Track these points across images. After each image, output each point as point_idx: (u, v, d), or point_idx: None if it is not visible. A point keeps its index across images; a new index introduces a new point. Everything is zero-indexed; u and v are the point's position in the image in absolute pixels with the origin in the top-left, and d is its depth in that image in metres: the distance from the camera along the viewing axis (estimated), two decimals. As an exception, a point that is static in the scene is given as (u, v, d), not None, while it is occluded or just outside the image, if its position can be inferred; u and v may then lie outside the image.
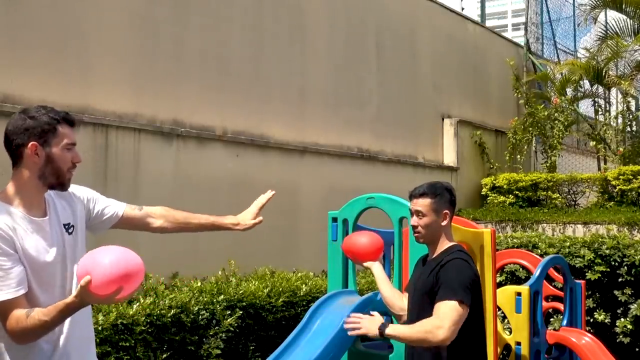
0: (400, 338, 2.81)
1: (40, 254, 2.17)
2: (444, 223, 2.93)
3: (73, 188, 2.41)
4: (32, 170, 2.20)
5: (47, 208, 2.27)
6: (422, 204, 2.93)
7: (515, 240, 6.31)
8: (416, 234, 2.97)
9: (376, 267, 3.36)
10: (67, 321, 2.20)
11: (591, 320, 5.81)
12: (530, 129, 11.10)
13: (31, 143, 2.17)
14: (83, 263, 2.01)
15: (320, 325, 3.54)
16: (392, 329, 2.77)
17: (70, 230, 2.31)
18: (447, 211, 2.94)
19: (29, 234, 2.16)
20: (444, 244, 2.94)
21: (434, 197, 2.93)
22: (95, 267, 1.96)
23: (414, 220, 2.96)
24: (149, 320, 4.01)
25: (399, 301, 3.17)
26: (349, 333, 2.87)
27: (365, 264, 3.44)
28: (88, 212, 2.46)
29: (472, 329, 2.86)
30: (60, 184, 2.25)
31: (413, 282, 3.06)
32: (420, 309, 2.92)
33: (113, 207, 2.53)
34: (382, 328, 2.75)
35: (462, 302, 2.72)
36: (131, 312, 3.93)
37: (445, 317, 2.71)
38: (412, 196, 2.99)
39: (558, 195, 10.13)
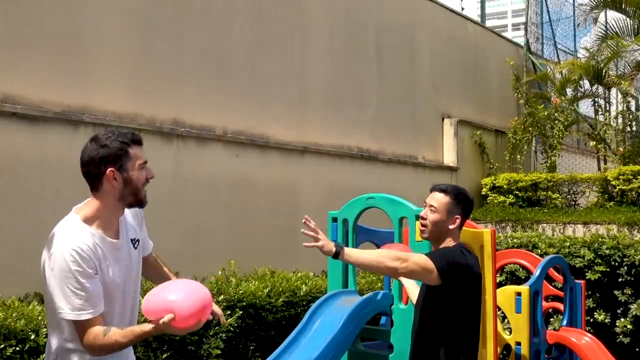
0: (356, 262, 2.77)
1: (112, 276, 2.29)
2: (451, 226, 2.92)
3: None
4: (112, 194, 2.30)
5: (121, 228, 2.38)
6: (439, 200, 2.93)
7: (515, 240, 6.31)
8: (422, 227, 2.96)
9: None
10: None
11: (591, 320, 5.81)
12: (530, 129, 11.10)
13: (109, 170, 2.27)
14: (157, 298, 2.14)
15: (320, 325, 3.54)
16: (349, 252, 2.74)
17: (136, 245, 2.44)
18: (458, 217, 2.93)
19: (107, 256, 2.27)
20: (448, 244, 2.94)
21: (453, 198, 2.93)
22: (175, 305, 2.11)
23: (425, 212, 2.95)
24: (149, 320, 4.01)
25: None
26: (304, 244, 2.74)
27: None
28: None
29: (467, 324, 2.86)
30: (138, 201, 2.36)
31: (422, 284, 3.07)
32: (423, 308, 2.94)
33: (148, 243, 2.63)
34: (338, 249, 2.71)
35: (437, 267, 2.73)
36: (131, 312, 3.93)
37: (414, 257, 2.76)
38: (433, 189, 2.99)
39: (558, 195, 10.12)
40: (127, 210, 2.43)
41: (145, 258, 2.62)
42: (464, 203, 2.96)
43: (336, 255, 2.71)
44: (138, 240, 2.45)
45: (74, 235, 2.22)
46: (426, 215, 2.94)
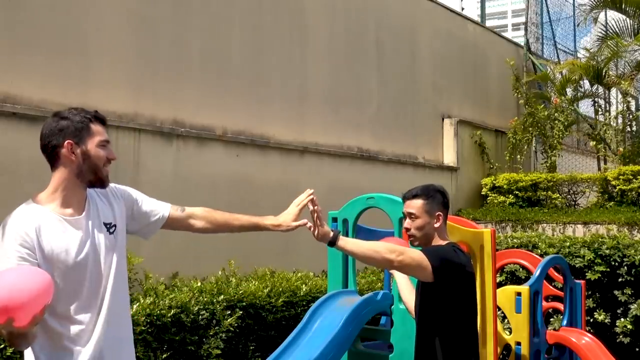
0: (352, 251, 2.77)
1: (70, 254, 2.19)
2: (436, 225, 2.93)
3: (118, 188, 2.47)
4: (69, 169, 2.25)
5: (86, 206, 2.29)
6: (415, 205, 2.94)
7: (515, 240, 6.31)
8: (410, 238, 2.97)
9: (398, 274, 3.39)
10: (101, 322, 2.23)
11: (591, 320, 5.81)
12: (530, 129, 11.09)
13: (67, 142, 2.22)
14: None
15: (320, 325, 3.54)
16: (345, 240, 2.76)
17: (111, 230, 2.34)
18: (440, 213, 2.94)
19: (60, 234, 2.19)
20: (439, 243, 2.94)
21: (426, 198, 2.94)
22: None
23: (407, 223, 2.96)
24: (149, 320, 4.01)
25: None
26: (304, 222, 2.73)
27: (389, 271, 3.45)
28: (132, 213, 2.47)
29: (463, 321, 2.87)
30: (98, 179, 2.30)
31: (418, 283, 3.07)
32: (421, 308, 2.94)
33: (159, 210, 2.56)
34: (334, 236, 2.72)
35: (431, 264, 2.73)
36: (131, 312, 3.92)
37: (410, 252, 2.76)
38: (405, 198, 3.00)
39: (558, 195, 10.12)
40: (100, 196, 2.36)
41: (174, 217, 2.55)
42: (438, 197, 2.97)
43: (332, 241, 2.71)
44: (115, 226, 2.35)
45: (17, 217, 2.16)
46: (409, 225, 2.95)
